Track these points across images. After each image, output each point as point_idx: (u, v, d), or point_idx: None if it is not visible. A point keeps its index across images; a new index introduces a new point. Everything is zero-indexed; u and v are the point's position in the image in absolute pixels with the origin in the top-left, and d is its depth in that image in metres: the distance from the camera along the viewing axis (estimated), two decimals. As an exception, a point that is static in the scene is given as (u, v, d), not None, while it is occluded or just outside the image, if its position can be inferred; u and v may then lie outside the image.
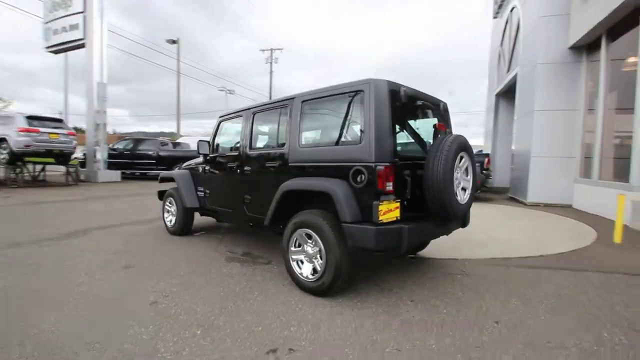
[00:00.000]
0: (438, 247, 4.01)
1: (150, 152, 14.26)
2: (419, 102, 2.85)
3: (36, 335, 2.07)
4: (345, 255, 2.53)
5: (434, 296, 2.75)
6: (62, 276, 3.09)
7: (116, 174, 13.40)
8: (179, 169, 5.35)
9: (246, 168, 3.53)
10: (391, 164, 2.40)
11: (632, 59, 6.37)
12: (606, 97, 6.77)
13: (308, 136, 3.01)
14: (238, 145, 3.77)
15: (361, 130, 2.52)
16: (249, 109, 3.67)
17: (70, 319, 2.28)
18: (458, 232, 3.37)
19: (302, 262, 2.83)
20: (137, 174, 14.79)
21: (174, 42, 25.68)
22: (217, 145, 4.20)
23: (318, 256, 2.68)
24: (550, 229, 5.38)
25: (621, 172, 6.42)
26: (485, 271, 3.36)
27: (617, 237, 4.39)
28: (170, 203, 4.90)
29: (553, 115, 7.90)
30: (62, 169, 11.94)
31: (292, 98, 3.11)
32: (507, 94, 12.17)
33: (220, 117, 4.19)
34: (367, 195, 2.42)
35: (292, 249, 2.86)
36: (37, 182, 11.58)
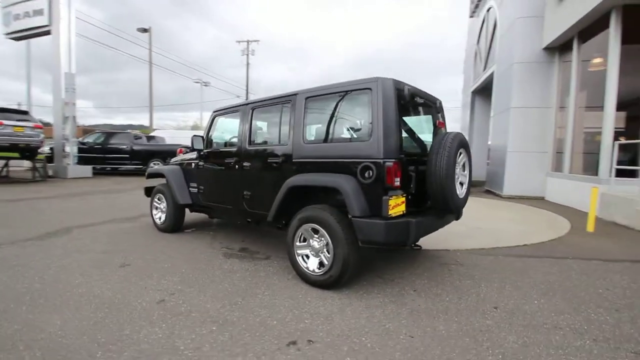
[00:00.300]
0: (429, 239, 4.17)
1: (124, 146, 13.67)
2: (419, 100, 2.94)
3: (44, 339, 1.99)
4: (353, 249, 2.60)
5: (434, 285, 2.89)
6: (55, 277, 2.96)
7: (87, 169, 12.76)
8: (167, 164, 5.21)
9: (245, 164, 3.50)
10: (398, 160, 2.49)
11: (596, 60, 6.86)
12: (577, 96, 7.24)
13: (313, 132, 3.03)
14: (235, 140, 3.73)
15: (369, 127, 2.58)
16: (247, 104, 3.63)
17: (77, 321, 2.21)
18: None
19: (307, 256, 2.87)
20: (108, 169, 14.16)
21: (145, 30, 24.57)
22: (212, 140, 4.13)
23: (325, 250, 2.73)
24: (528, 219, 5.73)
25: (589, 166, 6.92)
26: (477, 260, 3.56)
27: (590, 227, 4.76)
28: (159, 200, 4.77)
29: (528, 112, 8.34)
30: (26, 164, 11.21)
31: (294, 94, 3.11)
32: (483, 91, 12.67)
33: (215, 111, 4.11)
34: (375, 190, 2.49)
35: (298, 243, 2.90)
36: (0, 179, 10.82)
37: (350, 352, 1.90)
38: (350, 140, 2.71)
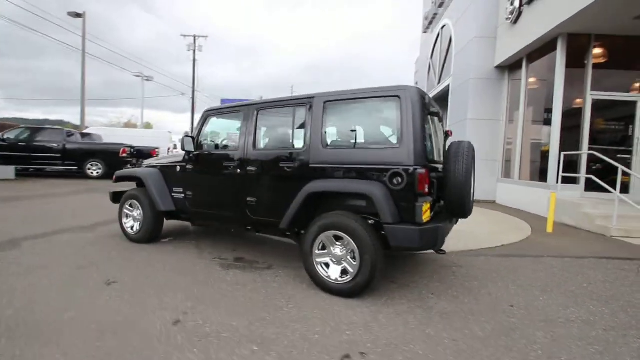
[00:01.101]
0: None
1: (54, 145, 11.98)
2: (433, 109, 3.06)
3: (53, 379, 1.64)
4: (380, 256, 2.59)
5: (446, 288, 3.00)
6: (27, 300, 2.47)
7: (9, 170, 10.92)
8: (139, 166, 4.68)
9: (250, 168, 3.29)
10: (426, 167, 2.55)
11: (532, 79, 7.90)
12: (525, 111, 8.17)
13: (333, 137, 2.96)
14: (234, 143, 3.49)
15: (398, 134, 2.60)
16: (251, 105, 3.42)
17: (84, 353, 1.86)
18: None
19: (327, 264, 2.80)
20: (32, 170, 12.31)
21: (78, 15, 21.97)
22: (203, 142, 3.81)
23: (349, 257, 2.68)
24: (493, 222, 6.28)
25: (536, 173, 7.83)
26: (471, 262, 3.78)
27: (549, 228, 5.37)
28: (131, 206, 4.26)
29: (481, 124, 9.18)
30: None
31: (311, 97, 3.02)
32: (437, 101, 13.64)
33: (208, 110, 3.81)
34: (405, 197, 2.51)
35: (317, 251, 2.80)
36: None
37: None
38: (378, 146, 2.71)
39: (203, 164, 3.72)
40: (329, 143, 2.91)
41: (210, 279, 3.06)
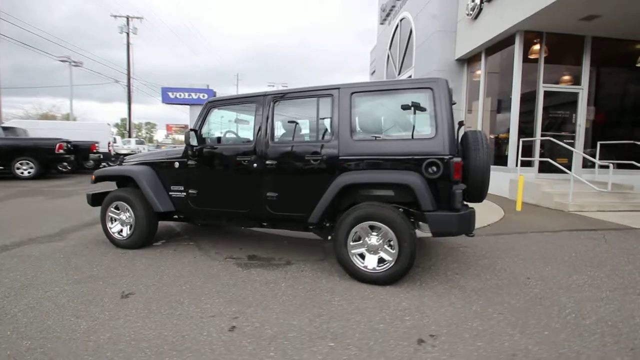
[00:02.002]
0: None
1: (-29, 142, 10.20)
2: (453, 100, 3.20)
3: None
4: (416, 243, 2.69)
5: (465, 267, 3.22)
6: (34, 324, 2.14)
7: None
8: (120, 163, 4.21)
9: (269, 162, 3.16)
10: (458, 155, 2.69)
11: (478, 72, 8.67)
12: (484, 101, 8.90)
13: (363, 129, 2.96)
14: (248, 136, 3.32)
15: (432, 125, 2.70)
16: (266, 95, 3.26)
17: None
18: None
19: (362, 255, 2.83)
20: None
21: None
22: (207, 135, 3.55)
23: (385, 246, 2.75)
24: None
25: (494, 159, 8.63)
26: (471, 241, 4.09)
27: (519, 207, 6.01)
28: (117, 209, 3.84)
29: (444, 113, 9.81)
30: None
31: (336, 88, 2.97)
32: (396, 92, 14.19)
33: (211, 101, 3.54)
34: (441, 185, 2.64)
35: (352, 243, 2.82)
36: None
37: (476, 337, 2.02)
38: (413, 137, 2.78)
39: (209, 159, 3.47)
40: (358, 135, 2.90)
41: (238, 279, 2.92)
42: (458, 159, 2.62)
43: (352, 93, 2.91)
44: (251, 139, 3.29)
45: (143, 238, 3.76)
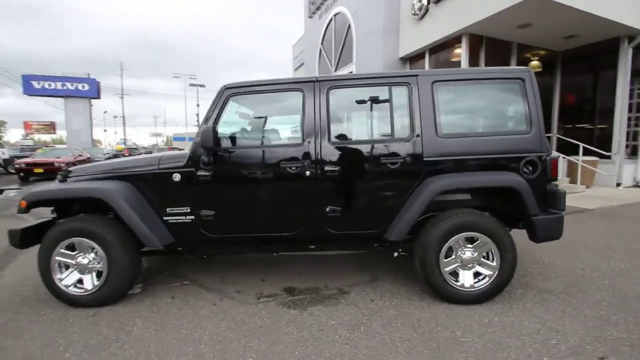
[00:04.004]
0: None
1: None
2: None
3: None
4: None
5: (524, 268, 3.14)
6: None
7: None
8: (64, 179, 2.80)
9: (328, 169, 2.45)
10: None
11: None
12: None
13: (450, 124, 2.52)
14: (291, 134, 2.54)
15: (526, 120, 2.45)
16: (318, 80, 2.51)
17: None
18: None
19: (454, 272, 2.45)
20: None
21: None
22: (227, 134, 2.60)
23: (483, 259, 2.42)
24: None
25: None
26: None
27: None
28: (71, 249, 2.57)
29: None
30: None
31: (413, 75, 2.48)
32: (330, 88, 14.05)
33: (230, 87, 2.58)
34: (540, 185, 2.44)
35: (444, 260, 2.40)
36: None
37: (561, 340, 1.93)
38: (506, 133, 2.48)
39: (234, 167, 2.55)
40: (445, 131, 2.46)
41: (313, 331, 2.21)
42: (555, 155, 2.43)
43: (434, 82, 2.46)
44: (297, 138, 2.50)
45: (124, 287, 2.60)
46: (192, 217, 2.60)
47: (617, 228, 4.43)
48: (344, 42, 12.20)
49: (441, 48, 8.84)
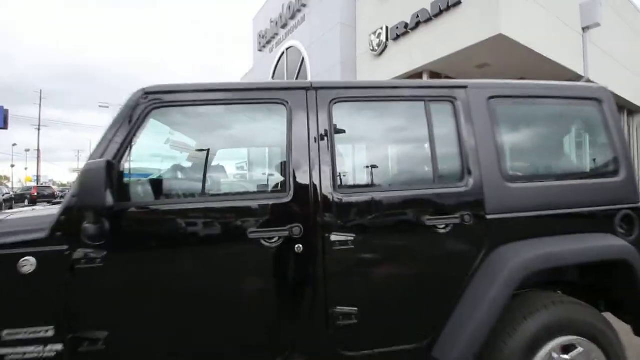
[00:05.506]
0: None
1: None
2: None
3: None
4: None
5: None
6: None
7: None
8: None
9: (336, 239, 1.41)
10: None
11: None
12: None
13: (514, 162, 1.64)
14: (262, 178, 1.50)
15: (611, 157, 1.70)
16: (311, 87, 1.52)
17: None
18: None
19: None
20: None
21: None
22: (143, 178, 1.43)
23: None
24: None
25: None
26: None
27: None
28: None
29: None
30: None
31: (461, 87, 1.61)
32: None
33: (150, 92, 1.44)
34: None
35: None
36: None
37: None
38: (589, 177, 1.69)
39: (154, 240, 1.36)
40: (511, 172, 1.58)
41: None
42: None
43: (490, 97, 1.61)
44: (277, 184, 1.44)
45: None
46: (60, 346, 1.29)
47: None
48: (298, 76, 11.71)
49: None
